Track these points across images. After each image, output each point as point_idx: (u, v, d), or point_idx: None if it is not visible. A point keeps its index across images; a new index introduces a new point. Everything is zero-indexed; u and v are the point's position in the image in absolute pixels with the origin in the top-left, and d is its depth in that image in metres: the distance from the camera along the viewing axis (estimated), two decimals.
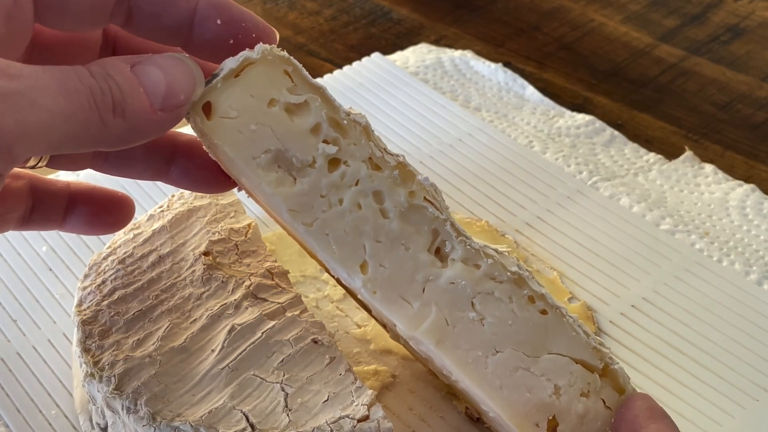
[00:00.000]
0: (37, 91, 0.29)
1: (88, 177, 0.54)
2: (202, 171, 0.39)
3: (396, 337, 0.42)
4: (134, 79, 0.32)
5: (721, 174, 0.60)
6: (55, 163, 0.39)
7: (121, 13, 0.35)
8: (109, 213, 0.41)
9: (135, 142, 0.33)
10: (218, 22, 0.36)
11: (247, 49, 0.35)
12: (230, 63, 0.35)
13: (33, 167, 0.38)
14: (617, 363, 0.38)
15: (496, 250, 0.38)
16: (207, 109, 0.35)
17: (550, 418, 0.36)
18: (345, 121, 0.37)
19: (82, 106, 0.30)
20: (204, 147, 0.38)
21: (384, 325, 0.44)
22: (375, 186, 0.37)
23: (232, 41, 0.36)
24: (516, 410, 0.36)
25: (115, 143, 0.32)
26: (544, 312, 0.37)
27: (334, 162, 0.37)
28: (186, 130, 0.37)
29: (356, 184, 0.36)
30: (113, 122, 0.31)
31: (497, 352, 0.36)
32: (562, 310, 0.37)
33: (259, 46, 0.35)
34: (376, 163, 0.37)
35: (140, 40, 0.38)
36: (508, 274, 0.37)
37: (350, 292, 0.44)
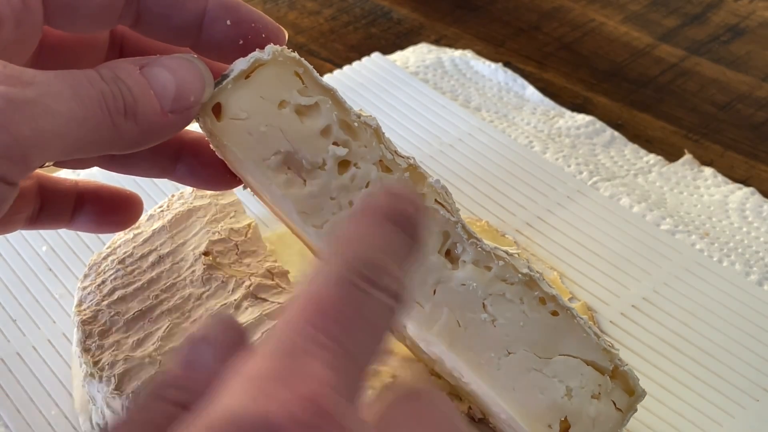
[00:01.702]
0: (51, 98, 0.29)
1: (88, 175, 0.54)
2: (208, 169, 0.39)
3: (402, 337, 0.42)
4: (144, 82, 0.32)
5: (720, 177, 0.60)
6: (62, 162, 0.39)
7: (130, 14, 0.35)
8: (116, 211, 0.41)
9: (146, 145, 0.33)
10: (228, 22, 0.35)
11: (257, 50, 0.35)
12: (241, 64, 0.35)
13: (40, 167, 0.38)
14: (626, 364, 0.38)
15: (506, 252, 0.38)
16: (217, 110, 0.35)
17: (562, 419, 0.36)
18: (356, 123, 0.36)
19: (94, 110, 0.30)
20: (211, 146, 0.38)
21: None
22: None
23: (241, 42, 0.36)
24: (528, 411, 0.36)
25: (126, 146, 0.32)
26: (555, 313, 0.37)
27: (344, 164, 0.36)
28: (192, 127, 0.37)
29: (366, 187, 0.36)
30: (125, 126, 0.31)
31: (509, 353, 0.36)
32: (572, 311, 0.37)
33: (270, 48, 0.35)
34: (386, 165, 0.37)
35: (149, 41, 0.38)
36: (519, 275, 0.37)
37: None
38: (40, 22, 0.34)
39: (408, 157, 0.37)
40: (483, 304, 0.37)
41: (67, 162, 0.40)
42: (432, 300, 0.36)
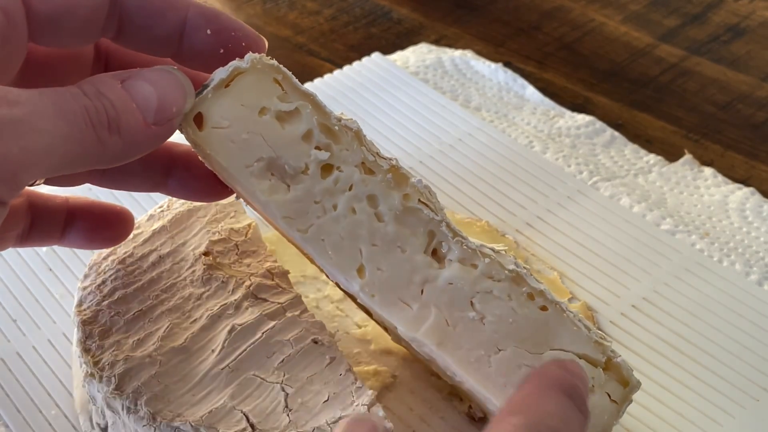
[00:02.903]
0: (37, 116, 0.30)
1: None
2: (200, 181, 0.40)
3: (398, 339, 0.42)
4: (126, 96, 0.32)
5: (720, 177, 0.60)
6: (53, 180, 0.39)
7: (111, 26, 0.36)
8: (108, 227, 0.41)
9: (131, 158, 0.33)
10: (208, 32, 0.36)
11: (237, 58, 0.35)
12: (220, 73, 0.35)
13: (30, 185, 0.38)
14: (620, 356, 0.38)
15: (492, 249, 0.38)
16: (199, 119, 0.35)
17: None
18: (336, 127, 0.37)
19: (79, 126, 0.31)
20: (200, 157, 0.38)
21: (386, 328, 0.44)
22: (369, 190, 0.37)
23: (222, 50, 0.36)
24: None
25: (112, 160, 0.33)
26: (544, 308, 0.37)
27: (327, 168, 0.37)
28: (182, 140, 0.37)
29: (350, 189, 0.37)
30: (109, 140, 0.32)
31: (499, 350, 0.36)
32: (562, 305, 0.37)
33: (249, 56, 0.35)
34: (369, 167, 0.37)
35: (132, 53, 0.38)
36: (506, 272, 0.37)
37: (350, 296, 0.44)
38: (25, 39, 0.34)
39: (390, 159, 0.37)
40: (471, 302, 0.37)
41: (57, 179, 0.39)
42: (420, 300, 0.37)
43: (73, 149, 0.31)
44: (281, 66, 0.36)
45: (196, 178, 0.40)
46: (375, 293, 0.36)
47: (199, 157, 0.38)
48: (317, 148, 0.36)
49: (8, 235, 0.39)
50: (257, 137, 0.36)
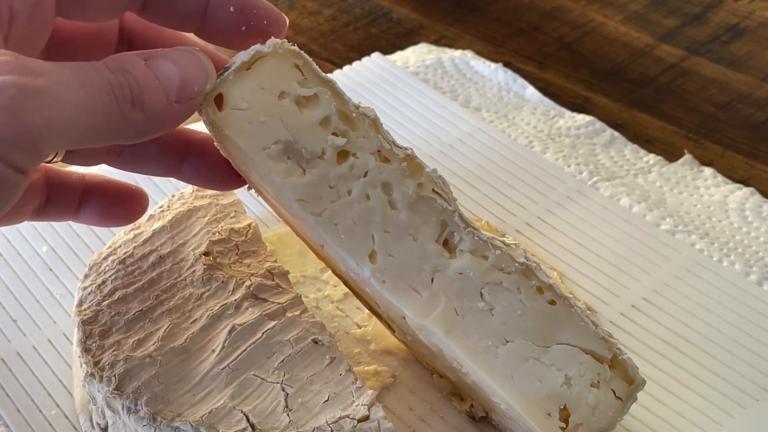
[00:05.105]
0: (61, 87, 0.30)
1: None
2: (213, 169, 0.40)
3: (403, 334, 0.42)
4: (150, 73, 0.33)
5: (720, 177, 0.60)
6: (70, 158, 0.40)
7: (137, 0, 0.36)
8: (122, 205, 0.42)
9: (152, 135, 0.34)
10: (231, 9, 0.36)
11: (259, 42, 0.36)
12: (242, 56, 0.36)
13: (48, 162, 0.39)
14: (625, 353, 0.38)
15: (503, 242, 0.38)
16: (219, 101, 0.36)
17: (562, 408, 0.37)
18: (354, 114, 0.37)
19: (102, 100, 0.31)
20: (215, 143, 0.38)
21: (388, 325, 0.44)
22: (383, 177, 0.37)
23: (244, 28, 0.37)
24: (527, 400, 0.36)
25: (134, 136, 0.33)
26: (552, 302, 0.38)
27: (343, 154, 0.37)
28: (199, 127, 0.37)
29: (365, 176, 0.37)
30: (132, 115, 0.32)
31: (507, 341, 0.37)
32: (570, 300, 0.38)
33: (271, 41, 0.36)
34: (384, 155, 0.37)
35: (155, 34, 0.39)
36: (516, 265, 0.37)
37: (353, 290, 0.44)
38: (52, 16, 0.35)
39: (406, 148, 0.38)
40: (480, 292, 0.37)
41: (74, 157, 0.40)
42: (430, 288, 0.37)
43: (95, 122, 0.31)
44: (302, 52, 0.37)
45: (210, 166, 0.40)
46: (386, 279, 0.37)
47: (216, 144, 0.38)
48: (334, 134, 0.37)
49: (24, 209, 0.39)
50: (276, 120, 0.36)
